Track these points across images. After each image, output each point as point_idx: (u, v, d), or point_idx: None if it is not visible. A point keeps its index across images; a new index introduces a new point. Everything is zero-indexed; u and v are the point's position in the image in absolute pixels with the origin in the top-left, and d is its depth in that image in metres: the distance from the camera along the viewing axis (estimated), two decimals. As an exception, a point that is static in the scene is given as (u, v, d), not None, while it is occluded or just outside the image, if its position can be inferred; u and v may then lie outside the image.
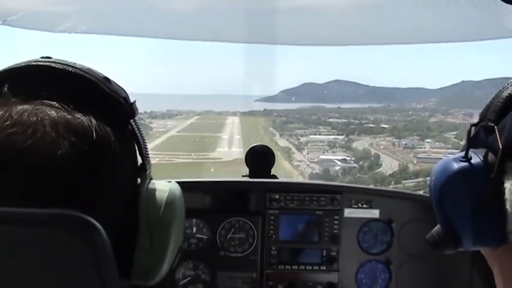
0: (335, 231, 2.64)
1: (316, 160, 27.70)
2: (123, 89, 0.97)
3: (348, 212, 2.65)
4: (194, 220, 2.61)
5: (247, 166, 2.74)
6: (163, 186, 0.99)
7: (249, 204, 2.67)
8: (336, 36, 2.58)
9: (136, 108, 0.98)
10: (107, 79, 0.94)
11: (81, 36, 2.58)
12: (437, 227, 1.11)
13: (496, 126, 1.00)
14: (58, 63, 0.92)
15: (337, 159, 26.88)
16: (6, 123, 0.81)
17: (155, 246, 0.94)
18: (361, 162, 26.07)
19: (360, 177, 22.46)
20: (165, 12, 2.40)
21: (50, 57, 0.93)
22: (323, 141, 30.29)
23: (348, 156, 27.72)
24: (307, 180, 2.82)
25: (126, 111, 0.95)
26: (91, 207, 0.82)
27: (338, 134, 30.75)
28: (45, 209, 0.76)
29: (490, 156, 1.00)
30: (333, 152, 28.99)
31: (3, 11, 2.17)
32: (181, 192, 1.03)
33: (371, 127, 31.56)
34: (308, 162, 27.66)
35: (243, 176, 2.76)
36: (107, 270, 0.78)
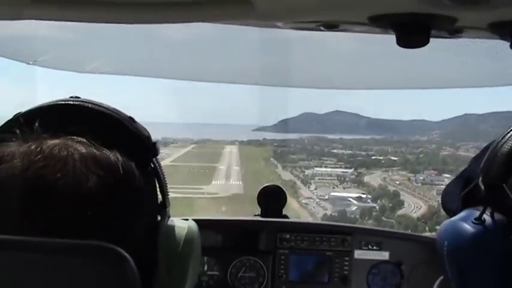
0: (345, 272, 2.81)
1: (326, 197, 26.32)
2: (146, 129, 1.07)
3: (358, 254, 2.83)
4: (205, 258, 2.78)
5: (259, 206, 2.93)
6: (182, 224, 1.09)
7: (260, 244, 2.85)
8: (347, 81, 2.87)
9: (159, 147, 1.09)
10: (132, 119, 1.05)
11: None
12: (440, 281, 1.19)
13: (504, 185, 1.03)
14: (87, 102, 1.02)
15: (352, 198, 25.26)
16: (38, 157, 0.88)
17: (173, 281, 1.02)
18: (379, 201, 24.91)
19: (385, 221, 21.15)
20: (185, 55, 2.68)
21: (78, 97, 1.04)
22: (331, 175, 29.31)
23: (363, 193, 26.29)
24: (317, 221, 3.04)
25: (149, 149, 1.05)
26: (116, 240, 0.88)
27: (346, 167, 30.04)
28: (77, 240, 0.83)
29: (498, 216, 1.03)
30: (344, 188, 27.98)
31: (31, 51, 2.45)
32: (198, 230, 1.13)
33: (380, 160, 31.23)
34: (318, 200, 26.31)
35: (255, 215, 2.95)
36: None
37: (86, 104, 1.02)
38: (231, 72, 2.86)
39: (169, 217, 1.08)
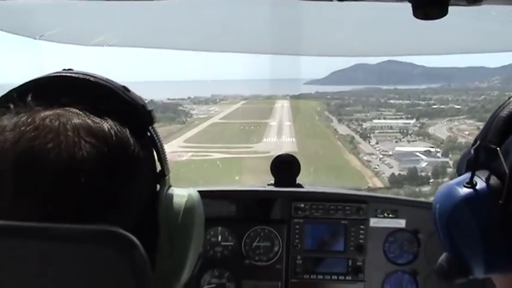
0: (361, 241, 2.87)
1: (390, 153, 24.83)
2: (141, 98, 1.09)
3: (374, 222, 2.87)
4: (219, 228, 2.89)
5: (273, 175, 2.99)
6: (182, 192, 1.10)
7: (274, 213, 2.93)
8: (366, 49, 2.87)
9: (155, 116, 1.10)
10: (125, 88, 1.08)
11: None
12: (445, 256, 1.19)
13: (499, 149, 1.06)
14: (79, 73, 1.05)
15: (420, 152, 23.59)
16: (29, 128, 0.90)
17: (175, 251, 1.05)
18: (451, 155, 23.12)
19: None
20: (194, 26, 2.75)
21: (71, 69, 1.07)
22: (391, 127, 28.28)
23: (431, 146, 24.69)
24: (332, 189, 3.09)
25: (144, 118, 1.07)
26: (111, 210, 0.92)
27: (407, 118, 29.09)
28: (69, 221, 0.83)
29: (494, 180, 1.05)
30: (408, 141, 26.64)
31: (38, 26, 2.57)
32: (200, 198, 1.15)
33: (442, 108, 30.09)
34: (381, 156, 24.86)
35: (268, 184, 3.02)
36: (146, 286, 0.85)
37: (78, 75, 1.04)
38: (241, 41, 2.91)
39: (170, 186, 1.10)
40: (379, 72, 36.69)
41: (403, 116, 29.63)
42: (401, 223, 2.89)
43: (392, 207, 2.89)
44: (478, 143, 1.13)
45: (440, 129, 27.86)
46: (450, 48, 2.76)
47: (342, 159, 24.27)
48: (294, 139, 27.06)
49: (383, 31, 2.71)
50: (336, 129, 29.81)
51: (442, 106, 30.39)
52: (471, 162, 1.13)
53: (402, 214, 2.89)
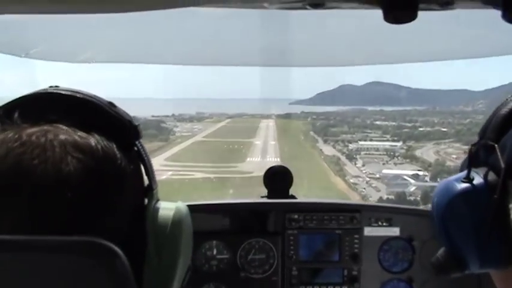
0: (355, 250, 2.89)
1: (377, 176, 24.57)
2: (127, 113, 1.11)
3: (368, 231, 2.90)
4: (214, 242, 2.90)
5: (266, 187, 3.03)
6: (170, 205, 1.12)
7: (269, 225, 2.95)
8: (348, 58, 2.94)
9: (141, 130, 1.12)
10: (111, 104, 1.10)
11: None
12: (442, 250, 1.21)
13: (496, 145, 1.08)
14: (65, 90, 1.08)
15: (407, 176, 23.22)
16: (16, 144, 0.92)
17: (163, 263, 1.06)
18: (439, 179, 22.48)
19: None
20: (181, 40, 2.79)
21: (57, 86, 1.09)
22: (378, 149, 28.23)
23: (419, 170, 24.48)
24: (325, 200, 3.14)
25: (131, 132, 1.09)
26: (99, 225, 0.93)
27: (393, 140, 29.13)
28: (56, 234, 0.85)
29: (491, 175, 1.08)
30: (395, 164, 26.57)
31: (24, 43, 2.58)
32: (189, 212, 1.16)
33: (429, 131, 30.16)
34: (368, 179, 24.60)
35: (262, 196, 3.05)
36: None
37: (64, 92, 1.06)
38: (229, 55, 2.96)
39: (158, 200, 1.12)
40: (364, 93, 37.12)
41: (390, 138, 29.71)
42: (395, 231, 2.93)
43: (385, 215, 2.93)
44: (477, 140, 1.16)
45: (427, 152, 27.98)
46: (433, 55, 2.83)
47: (328, 182, 24.10)
48: (278, 159, 26.82)
49: (368, 40, 2.77)
50: (321, 150, 29.71)
51: (429, 128, 30.66)
52: (469, 159, 1.15)
53: (396, 222, 2.92)
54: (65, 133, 0.96)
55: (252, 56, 2.96)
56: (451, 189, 1.11)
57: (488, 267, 1.13)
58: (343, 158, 28.28)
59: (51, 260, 0.83)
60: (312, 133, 33.03)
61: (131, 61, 2.89)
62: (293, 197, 3.06)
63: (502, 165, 1.04)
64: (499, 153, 1.06)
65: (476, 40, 2.59)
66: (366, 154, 28.46)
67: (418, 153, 28.06)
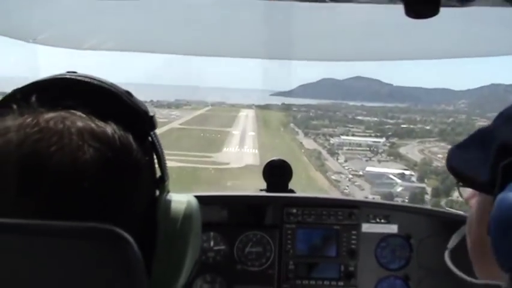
0: (353, 246, 2.94)
1: (361, 173, 23.93)
2: (143, 103, 1.12)
3: (366, 227, 2.95)
4: (212, 233, 2.93)
5: (265, 180, 3.05)
6: (182, 198, 1.11)
7: (266, 219, 2.98)
8: (354, 53, 2.98)
9: (156, 121, 1.13)
10: (129, 93, 1.10)
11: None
12: None
13: None
14: (84, 76, 1.07)
15: (393, 175, 22.31)
16: (33, 130, 0.91)
17: (173, 257, 1.06)
18: (427, 180, 22.18)
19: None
20: (184, 30, 2.80)
21: (75, 72, 1.09)
22: (360, 145, 27.94)
23: (405, 169, 23.62)
24: (324, 195, 3.20)
25: (146, 123, 1.09)
26: (114, 215, 0.93)
27: (376, 136, 29.09)
28: (77, 221, 0.85)
29: None
30: (379, 161, 26.07)
31: (31, 29, 2.58)
32: (198, 205, 1.16)
33: (412, 129, 30.24)
34: (350, 176, 23.89)
35: (261, 190, 3.08)
36: (139, 283, 0.87)
37: (83, 79, 1.06)
38: (232, 46, 2.98)
39: (168, 192, 1.12)
40: (346, 88, 37.35)
41: (372, 134, 29.70)
42: (393, 228, 2.97)
43: (384, 212, 2.97)
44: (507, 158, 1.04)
45: (412, 150, 27.89)
46: (443, 53, 2.87)
47: (308, 177, 23.84)
48: (256, 151, 26.69)
49: (374, 36, 2.80)
50: (301, 143, 29.55)
51: (412, 126, 30.85)
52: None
53: (394, 219, 2.97)
54: (82, 120, 0.95)
55: (254, 48, 2.98)
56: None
57: None
58: (324, 153, 28.01)
59: (63, 245, 0.84)
60: (292, 125, 32.95)
61: (137, 50, 2.88)
62: (292, 191, 3.09)
63: None
64: None
65: (488, 39, 2.63)
66: (348, 149, 28.26)
67: (402, 150, 27.96)
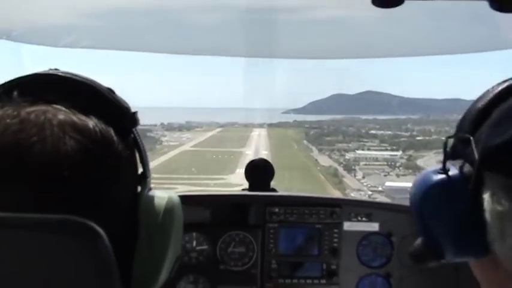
0: (335, 244, 2.96)
1: (380, 189, 23.77)
2: (125, 101, 1.13)
3: (348, 226, 2.97)
4: (194, 234, 2.95)
5: (247, 180, 3.09)
6: (163, 194, 1.13)
7: (249, 218, 3.01)
8: (332, 51, 3.04)
9: (138, 118, 1.14)
10: (111, 90, 1.12)
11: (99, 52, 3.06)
12: (420, 240, 1.22)
13: (471, 138, 1.11)
14: (64, 72, 1.08)
15: None
16: (14, 121, 0.93)
17: (154, 252, 1.07)
18: None
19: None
20: (168, 27, 2.86)
21: (57, 69, 1.11)
22: (377, 159, 27.89)
23: None
24: (306, 194, 3.23)
25: (128, 119, 1.11)
26: (94, 209, 0.94)
27: (392, 150, 29.08)
28: (50, 214, 0.86)
29: (467, 167, 1.11)
30: (398, 175, 25.86)
31: (7, 26, 2.62)
32: (180, 201, 1.17)
33: (428, 140, 30.01)
34: (370, 193, 23.53)
35: (243, 189, 3.12)
36: (109, 277, 0.88)
37: (64, 75, 1.08)
38: (214, 44, 3.04)
39: (150, 188, 1.13)
40: (357, 102, 37.31)
41: (388, 148, 29.36)
42: (374, 226, 3.00)
43: (365, 210, 3.00)
44: (454, 133, 1.21)
45: (429, 161, 27.37)
46: (417, 50, 2.92)
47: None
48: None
49: (350, 32, 2.85)
50: (316, 160, 29.18)
51: (427, 137, 30.53)
52: (444, 150, 1.19)
53: (376, 217, 2.99)
54: (63, 113, 0.97)
55: (237, 47, 3.03)
56: (427, 180, 1.15)
57: (464, 257, 1.17)
58: (340, 169, 27.57)
59: (33, 237, 0.85)
60: (305, 142, 32.73)
61: (113, 48, 2.95)
62: (274, 190, 3.12)
63: (476, 157, 1.07)
64: (473, 146, 1.09)
65: (464, 35, 2.66)
66: (365, 165, 27.86)
67: (420, 163, 27.66)
